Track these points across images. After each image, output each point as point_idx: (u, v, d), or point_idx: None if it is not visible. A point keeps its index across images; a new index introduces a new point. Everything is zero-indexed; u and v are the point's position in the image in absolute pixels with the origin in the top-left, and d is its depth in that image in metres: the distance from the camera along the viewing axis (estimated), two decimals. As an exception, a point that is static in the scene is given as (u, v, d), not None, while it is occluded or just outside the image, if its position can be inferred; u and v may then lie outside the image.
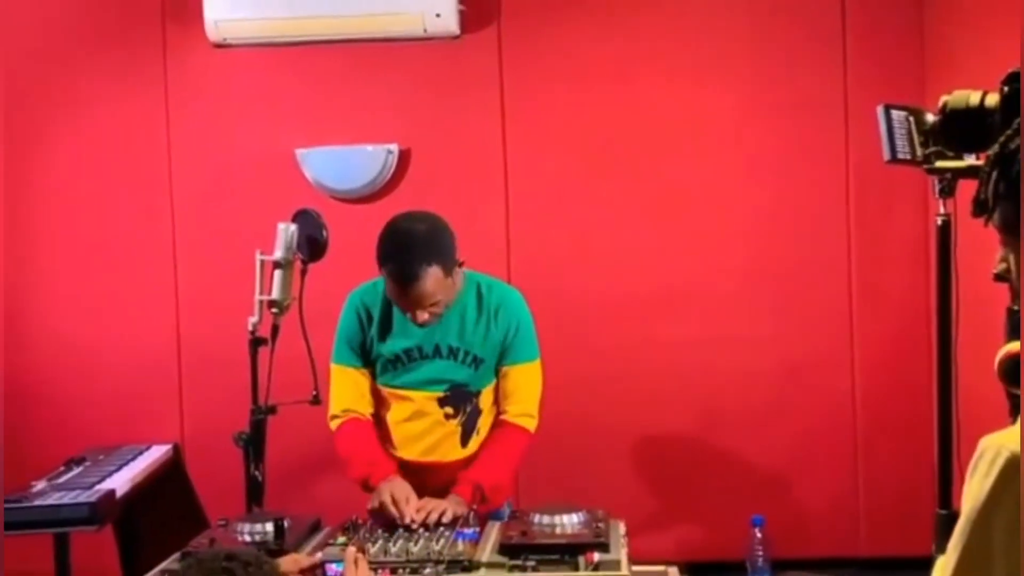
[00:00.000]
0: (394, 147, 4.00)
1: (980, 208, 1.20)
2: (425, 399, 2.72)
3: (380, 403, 2.78)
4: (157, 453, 3.79)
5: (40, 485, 3.18)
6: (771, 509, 3.60)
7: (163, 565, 2.27)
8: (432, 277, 2.52)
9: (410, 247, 2.54)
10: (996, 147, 1.18)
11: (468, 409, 2.74)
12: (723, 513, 3.90)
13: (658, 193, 4.06)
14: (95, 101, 4.12)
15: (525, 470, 3.94)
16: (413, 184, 4.02)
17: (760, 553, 3.37)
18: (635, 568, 2.41)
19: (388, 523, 2.44)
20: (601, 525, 2.29)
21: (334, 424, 2.74)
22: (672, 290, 4.06)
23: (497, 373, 2.75)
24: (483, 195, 4.06)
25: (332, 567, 2.10)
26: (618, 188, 4.07)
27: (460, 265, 2.64)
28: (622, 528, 2.38)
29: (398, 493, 2.50)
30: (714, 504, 4.00)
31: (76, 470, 3.43)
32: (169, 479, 3.80)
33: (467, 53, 4.03)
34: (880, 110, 1.91)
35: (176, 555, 2.30)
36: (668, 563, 2.50)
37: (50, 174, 4.14)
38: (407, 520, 2.42)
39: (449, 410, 2.73)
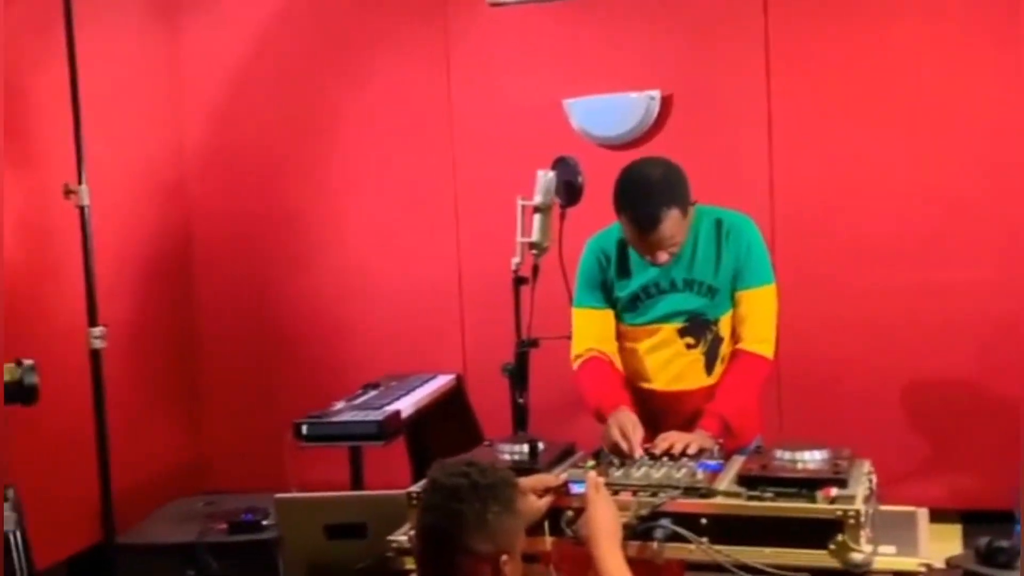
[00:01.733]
0: (656, 93, 4.02)
1: None
2: (666, 331, 2.77)
3: (625, 338, 2.84)
4: (442, 381, 4.09)
5: (339, 405, 3.53)
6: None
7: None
8: (671, 220, 2.57)
9: (649, 193, 2.59)
10: None
11: (709, 338, 2.75)
12: (994, 462, 3.69)
13: (927, 136, 3.85)
14: (383, 58, 4.41)
15: (789, 411, 3.93)
16: (675, 129, 4.04)
17: (1028, 502, 3.19)
18: (884, 508, 2.38)
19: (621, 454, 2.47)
20: (843, 463, 2.25)
21: (576, 364, 2.82)
22: (944, 233, 3.86)
23: (732, 297, 2.74)
24: (746, 139, 4.01)
25: (574, 487, 2.21)
26: (885, 131, 3.89)
27: (693, 204, 2.67)
28: (867, 467, 2.33)
29: (626, 426, 2.52)
30: (985, 452, 3.79)
31: (371, 393, 3.77)
32: (453, 404, 4.08)
33: (731, -3, 3.99)
34: None
35: (437, 466, 2.50)
36: (920, 507, 2.46)
37: (344, 124, 4.49)
38: (637, 455, 2.43)
39: (690, 340, 2.76)
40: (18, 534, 2.32)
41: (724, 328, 2.77)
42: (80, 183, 3.44)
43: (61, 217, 3.54)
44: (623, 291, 2.78)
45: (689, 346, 2.77)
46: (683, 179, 2.65)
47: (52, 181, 3.52)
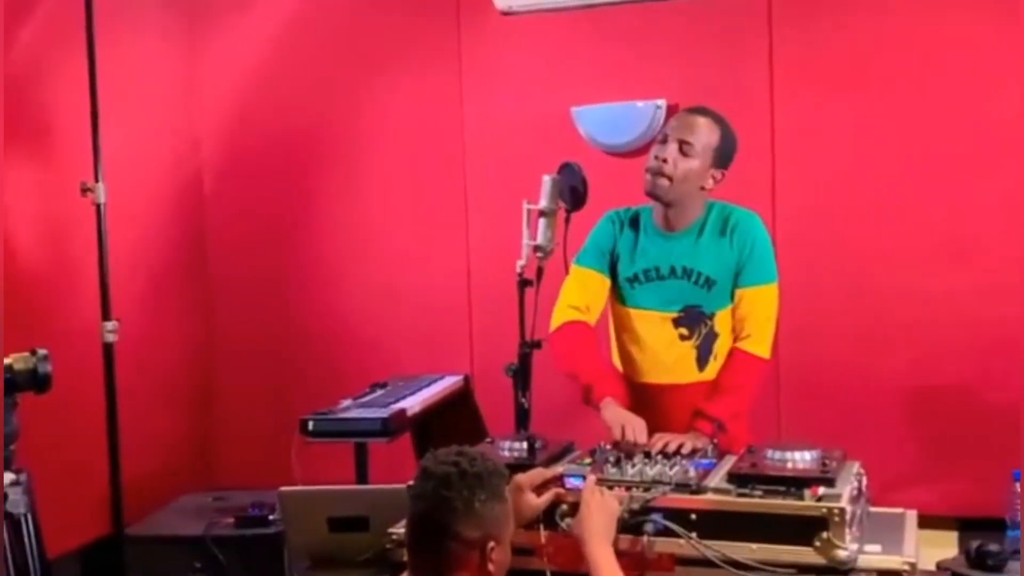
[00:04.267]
0: (662, 102, 4.07)
1: None
2: (660, 319, 2.81)
3: (618, 324, 2.90)
4: (450, 381, 4.16)
5: (346, 403, 3.59)
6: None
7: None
8: (708, 127, 2.74)
9: (704, 107, 2.79)
10: None
11: (703, 331, 2.79)
12: (990, 469, 3.71)
13: (932, 141, 3.88)
14: (396, 65, 4.48)
15: (788, 414, 3.96)
16: (681, 138, 4.08)
17: (1020, 508, 3.22)
18: (874, 509, 2.44)
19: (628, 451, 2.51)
20: (832, 463, 2.30)
21: (558, 320, 2.84)
22: (950, 238, 3.88)
23: (733, 296, 2.78)
24: (748, 147, 3.98)
25: (570, 480, 2.27)
26: (889, 137, 3.92)
27: (721, 176, 2.78)
28: (856, 468, 2.38)
29: (636, 428, 2.58)
30: (981, 460, 3.81)
31: (379, 392, 3.83)
32: (460, 404, 4.15)
33: (736, 8, 4.03)
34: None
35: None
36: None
37: (356, 128, 4.54)
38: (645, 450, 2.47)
39: (684, 331, 2.80)
40: (29, 518, 2.38)
41: (720, 324, 2.80)
42: (97, 181, 3.53)
43: (78, 214, 3.63)
44: (623, 270, 2.84)
45: (683, 337, 2.81)
46: (734, 132, 2.81)
47: (70, 179, 3.61)
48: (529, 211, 2.96)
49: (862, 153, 3.97)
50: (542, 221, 2.95)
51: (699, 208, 2.80)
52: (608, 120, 4.14)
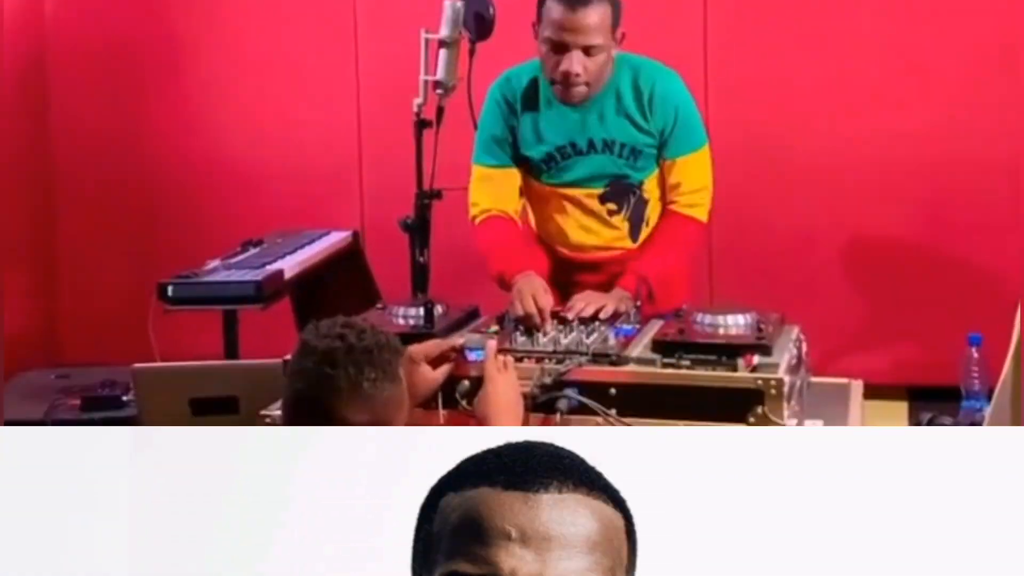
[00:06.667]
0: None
1: None
2: (585, 196, 2.83)
3: (541, 200, 2.90)
4: (336, 238, 4.06)
5: (213, 264, 3.49)
6: (997, 329, 3.50)
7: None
8: (600, 12, 2.59)
9: None
10: None
11: (633, 201, 2.82)
12: (941, 332, 3.81)
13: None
14: None
15: (721, 279, 4.01)
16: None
17: (976, 376, 3.30)
18: (816, 380, 2.48)
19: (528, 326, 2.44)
20: (768, 328, 2.31)
21: (475, 223, 2.85)
22: (886, 78, 3.91)
23: (659, 161, 2.79)
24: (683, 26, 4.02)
25: (471, 353, 2.22)
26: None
27: (621, 39, 2.68)
28: (795, 333, 2.40)
29: (537, 293, 2.48)
30: (932, 321, 3.91)
31: (252, 251, 3.73)
32: (348, 264, 4.08)
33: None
34: None
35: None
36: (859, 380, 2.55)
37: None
38: (547, 325, 2.40)
39: (612, 206, 2.83)
40: None
41: (649, 189, 2.83)
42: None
43: None
44: (535, 151, 2.81)
45: (611, 212, 2.83)
46: None
47: None
48: (428, 41, 2.89)
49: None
50: (443, 53, 2.89)
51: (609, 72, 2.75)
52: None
